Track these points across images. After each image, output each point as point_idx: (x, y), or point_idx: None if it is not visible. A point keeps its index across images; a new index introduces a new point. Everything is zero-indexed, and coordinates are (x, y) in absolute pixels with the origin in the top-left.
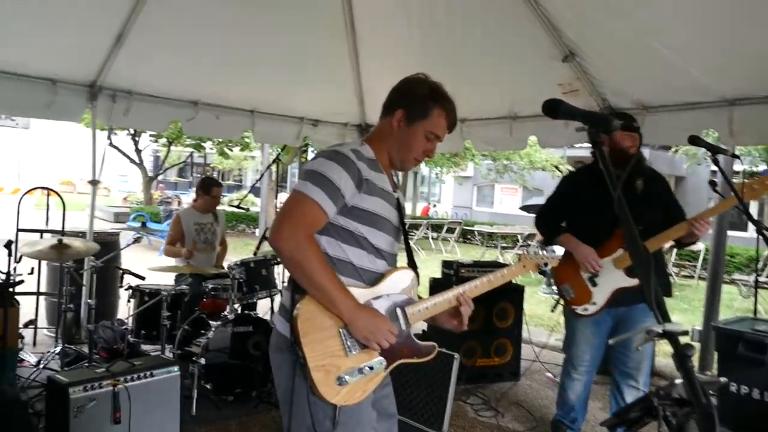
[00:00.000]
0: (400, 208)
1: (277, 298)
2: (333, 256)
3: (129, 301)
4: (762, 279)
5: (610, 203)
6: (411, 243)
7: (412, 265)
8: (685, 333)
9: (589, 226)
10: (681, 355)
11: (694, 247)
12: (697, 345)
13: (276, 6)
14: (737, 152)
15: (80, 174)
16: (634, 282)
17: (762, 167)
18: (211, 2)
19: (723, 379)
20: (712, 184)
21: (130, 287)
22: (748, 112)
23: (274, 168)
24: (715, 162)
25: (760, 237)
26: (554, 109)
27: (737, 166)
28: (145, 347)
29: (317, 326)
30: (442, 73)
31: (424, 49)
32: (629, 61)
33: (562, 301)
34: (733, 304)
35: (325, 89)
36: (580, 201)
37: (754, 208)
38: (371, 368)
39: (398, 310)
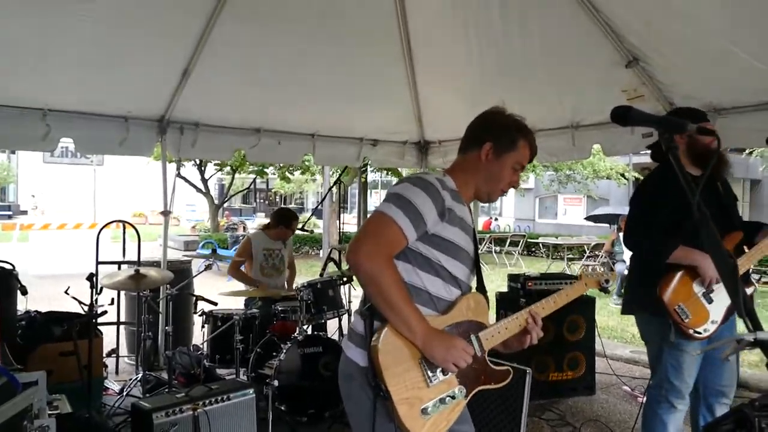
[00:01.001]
0: (476, 241)
1: (345, 318)
2: (408, 283)
3: (203, 326)
4: None
5: (710, 203)
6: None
7: (482, 290)
8: None
9: (692, 236)
10: None
11: None
12: None
13: (333, 34)
14: None
15: (151, 206)
16: (749, 291)
17: None
18: (269, 35)
19: None
20: None
21: (203, 313)
22: None
23: (334, 189)
24: None
25: None
26: (623, 116)
27: None
28: (220, 371)
29: (397, 359)
30: (500, 86)
31: (481, 63)
32: (698, 63)
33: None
34: None
35: (383, 109)
36: (677, 207)
37: None
38: (452, 397)
39: (472, 337)
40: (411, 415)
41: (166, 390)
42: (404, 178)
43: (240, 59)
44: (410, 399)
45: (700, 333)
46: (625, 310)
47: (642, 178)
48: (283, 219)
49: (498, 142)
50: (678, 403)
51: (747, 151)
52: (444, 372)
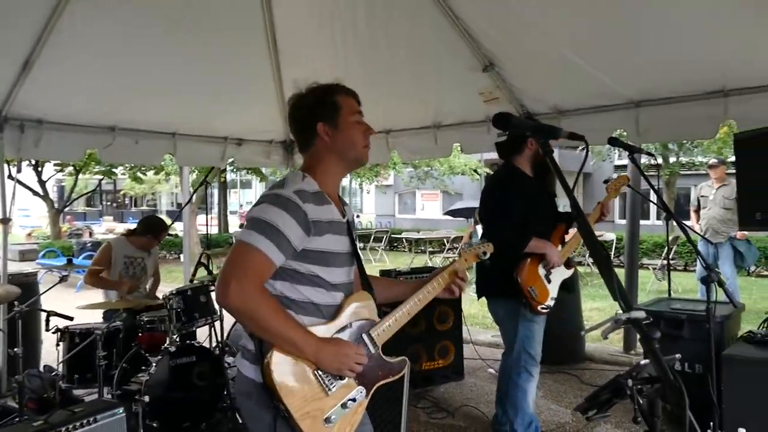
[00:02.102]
0: (350, 232)
1: (218, 325)
2: (293, 299)
3: (58, 344)
4: (671, 261)
5: (546, 202)
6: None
7: (367, 287)
8: (649, 319)
9: (536, 226)
10: (648, 338)
11: (607, 237)
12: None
13: (196, 28)
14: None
15: None
16: (571, 272)
17: (659, 160)
18: (127, 25)
19: (677, 356)
20: (606, 182)
21: (57, 330)
22: (652, 112)
23: (191, 189)
24: (632, 160)
25: (673, 224)
26: (504, 122)
27: (643, 161)
28: (78, 392)
29: (292, 375)
30: (366, 87)
31: (347, 64)
32: (545, 70)
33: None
34: (646, 287)
35: (248, 107)
36: (525, 205)
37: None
38: (354, 400)
39: (364, 336)
40: (315, 428)
41: (17, 419)
42: (262, 198)
43: (93, 50)
44: (311, 412)
45: (545, 308)
46: (481, 295)
47: (492, 173)
48: (152, 228)
49: (325, 116)
50: (534, 370)
51: (580, 148)
52: (341, 377)
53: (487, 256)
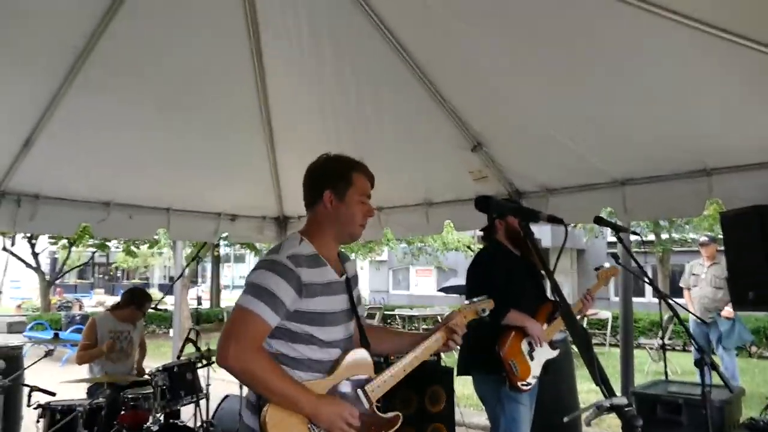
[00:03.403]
0: (350, 289)
1: (203, 403)
2: (290, 356)
3: (38, 421)
4: (666, 342)
5: (530, 279)
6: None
7: (364, 343)
8: (631, 406)
9: (517, 301)
10: (630, 425)
11: (602, 315)
12: None
13: (190, 105)
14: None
15: None
16: (556, 353)
17: (651, 237)
18: (124, 104)
19: None
20: (615, 257)
21: (39, 406)
22: (637, 191)
23: (184, 263)
24: (619, 239)
25: (663, 303)
26: (485, 205)
27: (633, 238)
28: None
29: (287, 429)
30: None
31: (339, 142)
32: (531, 149)
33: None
34: (644, 368)
35: (241, 183)
36: (505, 280)
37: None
38: None
39: (359, 392)
40: None
41: None
42: (259, 264)
43: (90, 129)
44: None
45: (526, 385)
46: (461, 372)
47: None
48: (135, 300)
49: (335, 186)
50: None
51: (572, 225)
52: None
53: (486, 313)
